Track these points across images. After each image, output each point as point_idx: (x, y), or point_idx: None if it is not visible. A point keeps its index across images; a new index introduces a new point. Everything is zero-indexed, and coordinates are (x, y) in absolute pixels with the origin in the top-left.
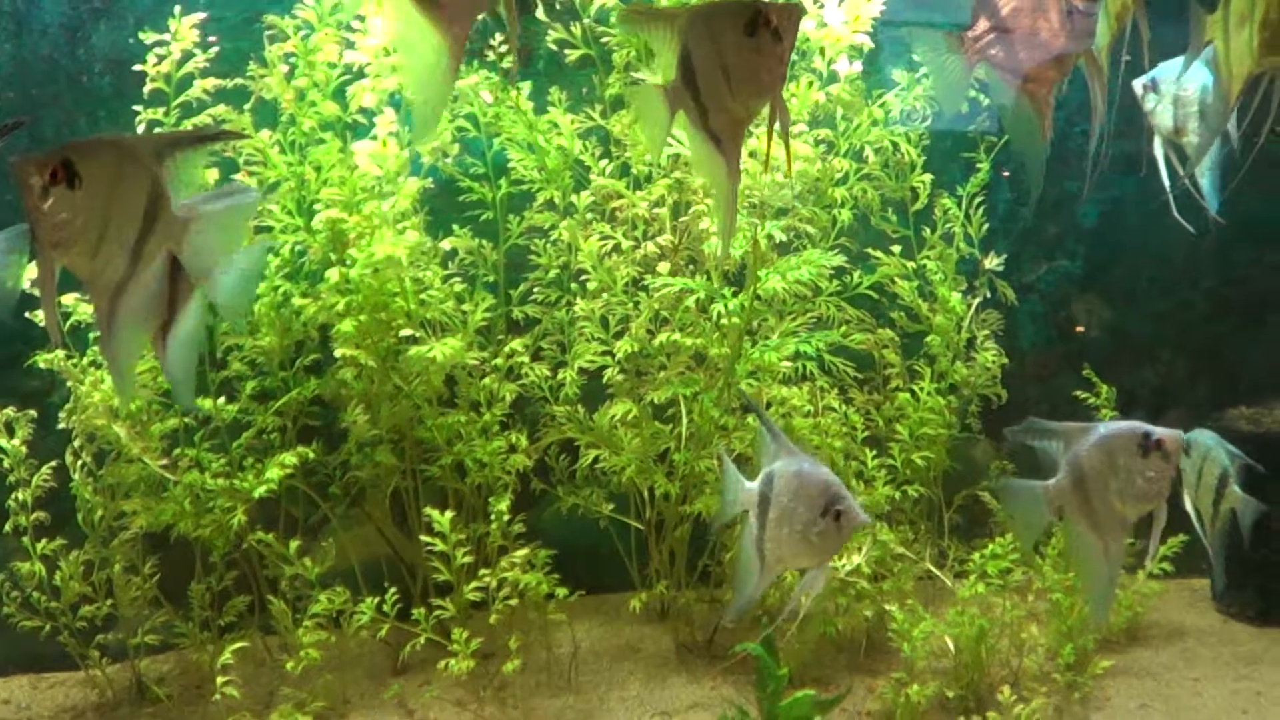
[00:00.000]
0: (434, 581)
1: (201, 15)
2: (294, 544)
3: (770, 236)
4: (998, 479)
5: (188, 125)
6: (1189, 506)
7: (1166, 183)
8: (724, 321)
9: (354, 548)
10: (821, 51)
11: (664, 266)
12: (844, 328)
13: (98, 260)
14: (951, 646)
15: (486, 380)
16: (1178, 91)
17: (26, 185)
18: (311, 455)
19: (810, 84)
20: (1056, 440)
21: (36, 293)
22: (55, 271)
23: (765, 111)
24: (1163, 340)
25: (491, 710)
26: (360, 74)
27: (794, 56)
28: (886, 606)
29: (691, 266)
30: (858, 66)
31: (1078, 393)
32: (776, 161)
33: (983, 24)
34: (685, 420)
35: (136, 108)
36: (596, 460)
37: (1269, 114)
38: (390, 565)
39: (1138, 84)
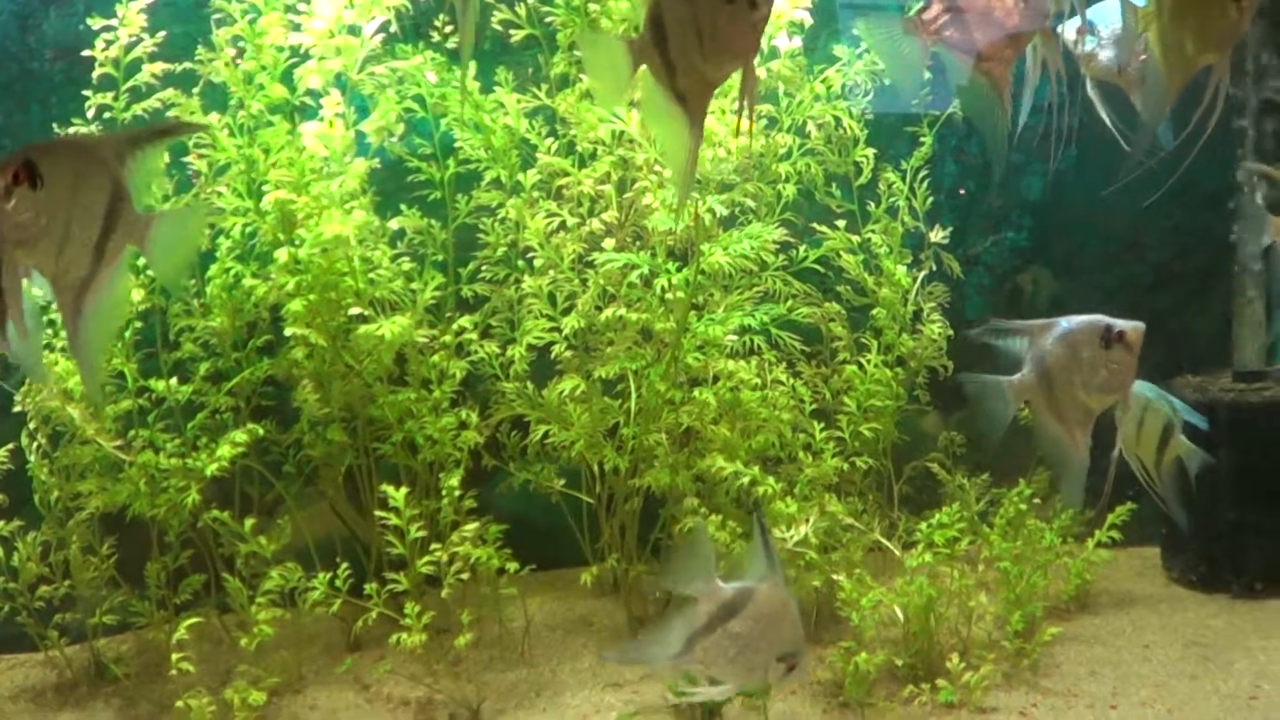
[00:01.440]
0: (387, 557)
1: (148, 0)
2: (249, 522)
3: (713, 211)
4: (965, 376)
5: (137, 109)
6: (1128, 456)
7: (1107, 120)
8: (669, 296)
9: (308, 526)
10: None
11: (609, 243)
12: (790, 302)
13: (62, 259)
14: (900, 615)
15: (436, 358)
16: (1117, 31)
17: None
18: (262, 432)
19: None
20: (1019, 337)
21: None
22: (19, 271)
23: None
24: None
25: (445, 684)
26: (307, 56)
27: None
28: (835, 576)
29: (637, 243)
30: (797, 42)
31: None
32: (719, 137)
33: (937, 6)
34: (634, 395)
35: (86, 92)
36: (546, 436)
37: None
38: (344, 543)
39: (1069, 28)
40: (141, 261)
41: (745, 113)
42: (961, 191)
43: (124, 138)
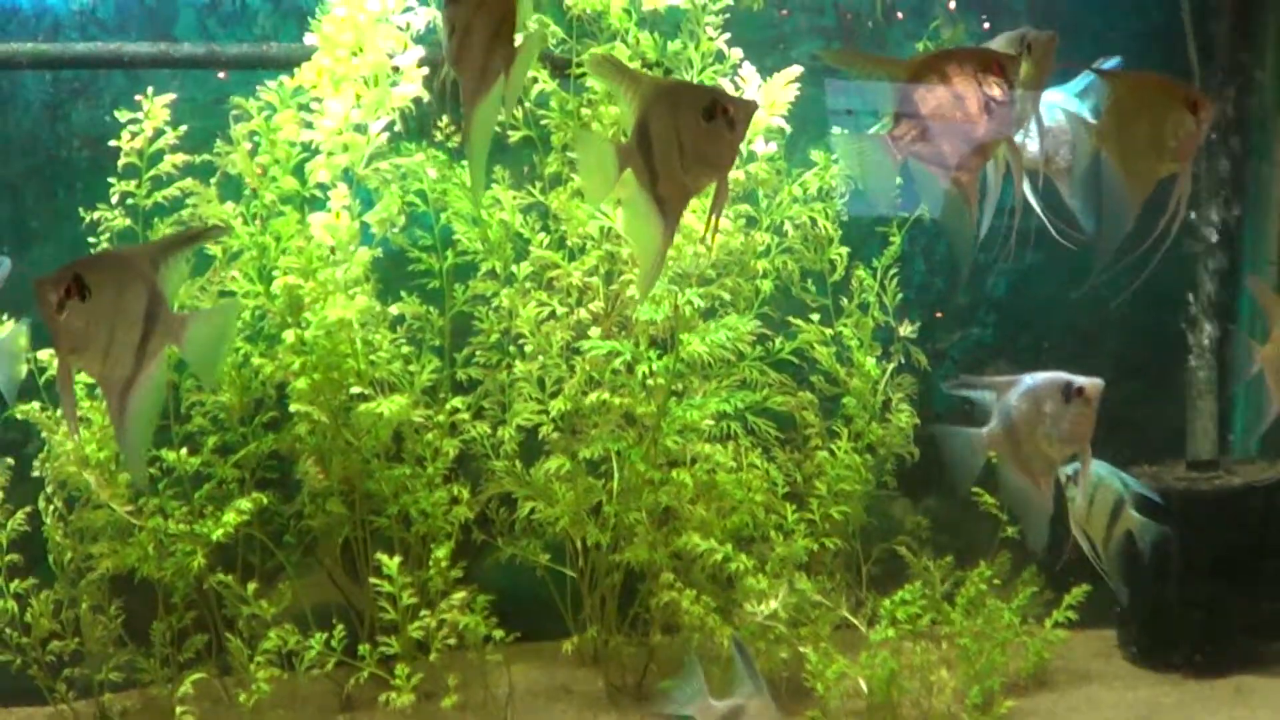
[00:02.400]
0: (380, 623)
1: (171, 96)
2: (251, 586)
3: (691, 303)
4: (938, 427)
5: (158, 196)
6: (1076, 532)
7: (1037, 206)
8: (650, 382)
9: (306, 594)
10: None
11: (595, 331)
12: (766, 390)
13: (108, 362)
14: (865, 687)
15: (430, 436)
16: (1048, 124)
17: (45, 300)
18: (265, 501)
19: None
20: (987, 391)
21: None
22: (73, 374)
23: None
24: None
25: None
26: (317, 151)
27: None
28: (802, 649)
29: (622, 331)
30: (773, 147)
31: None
32: (699, 234)
33: (906, 124)
34: (617, 475)
35: (111, 180)
36: (533, 512)
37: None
38: (340, 610)
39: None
40: None
41: (714, 220)
42: (939, 315)
43: (158, 247)
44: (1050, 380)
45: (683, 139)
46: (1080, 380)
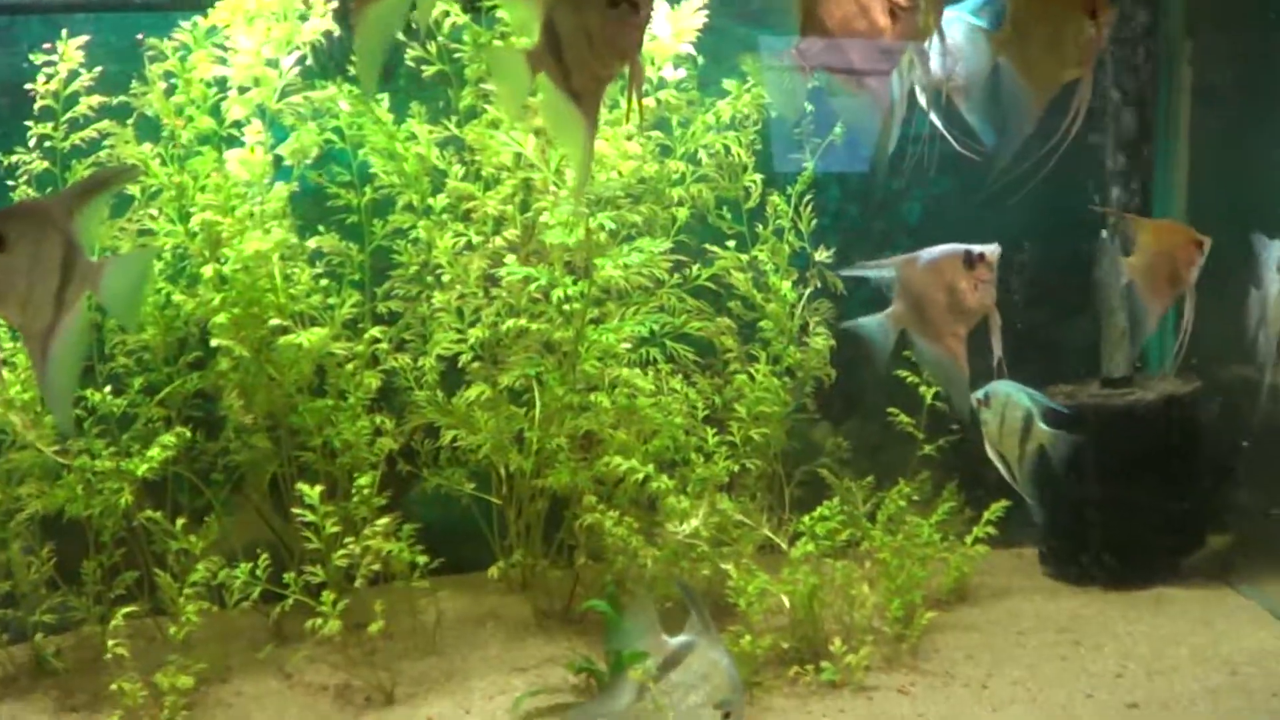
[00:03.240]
0: (307, 555)
1: (86, 38)
2: (180, 522)
3: (604, 227)
4: (848, 322)
5: (75, 139)
6: (990, 452)
7: (938, 123)
8: (567, 308)
9: (236, 532)
10: (651, 60)
11: (512, 258)
12: (684, 316)
13: (27, 311)
14: (786, 603)
15: (350, 367)
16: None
17: None
18: (189, 435)
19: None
20: (887, 272)
21: None
22: None
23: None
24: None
25: (361, 671)
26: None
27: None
28: (724, 566)
29: (537, 257)
30: (682, 73)
31: (899, 371)
32: (611, 160)
33: (812, 36)
34: (538, 402)
35: (28, 124)
36: (455, 440)
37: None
38: (270, 547)
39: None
40: None
41: (635, 103)
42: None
43: (72, 194)
44: (949, 251)
45: (590, 31)
46: (978, 247)
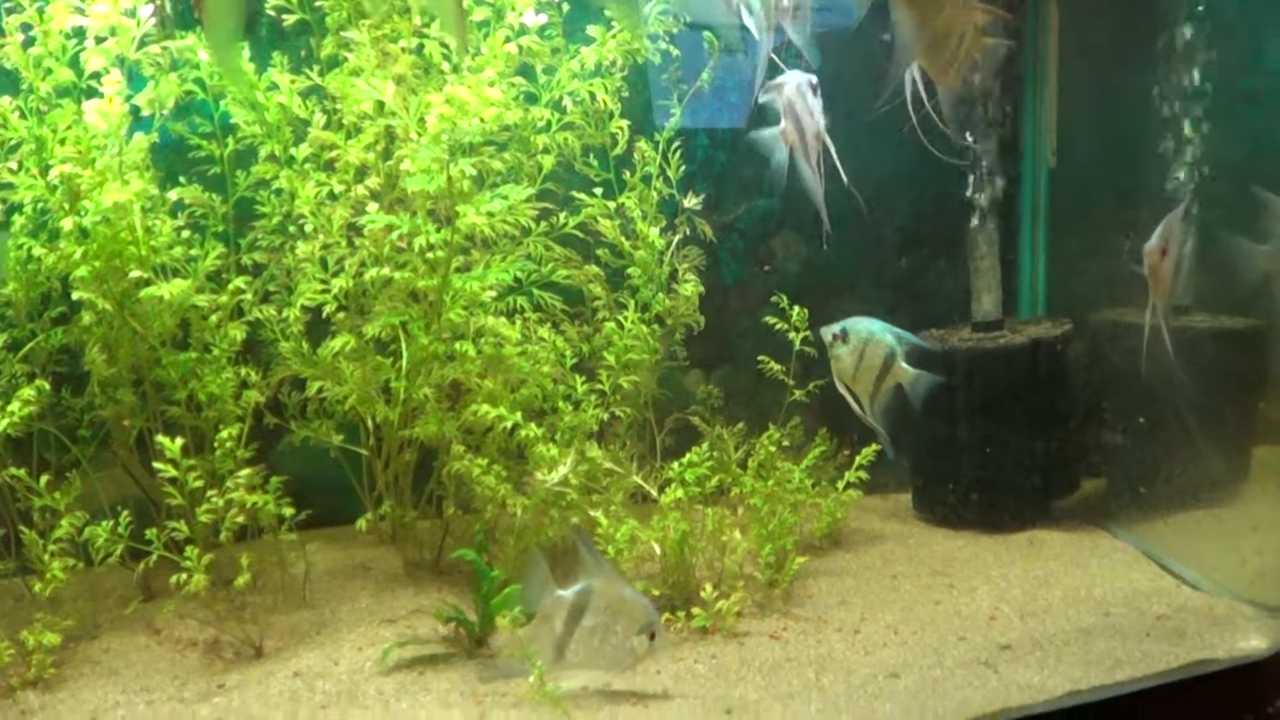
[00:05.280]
0: (170, 511)
1: None
2: (44, 479)
3: (465, 173)
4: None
5: None
6: (840, 388)
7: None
8: (430, 256)
9: (104, 488)
10: (513, 6)
11: (374, 207)
12: (551, 264)
13: None
14: (657, 550)
15: (213, 319)
16: None
17: None
18: (47, 388)
19: (505, 39)
20: (772, 94)
21: None
22: None
23: None
24: (859, 272)
25: (230, 626)
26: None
27: (489, 14)
28: (592, 513)
29: (400, 206)
30: (544, 19)
31: (769, 319)
32: (472, 107)
33: None
34: (405, 351)
35: None
36: (321, 392)
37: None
38: (138, 504)
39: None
40: None
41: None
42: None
43: None
44: (799, 74)
45: None
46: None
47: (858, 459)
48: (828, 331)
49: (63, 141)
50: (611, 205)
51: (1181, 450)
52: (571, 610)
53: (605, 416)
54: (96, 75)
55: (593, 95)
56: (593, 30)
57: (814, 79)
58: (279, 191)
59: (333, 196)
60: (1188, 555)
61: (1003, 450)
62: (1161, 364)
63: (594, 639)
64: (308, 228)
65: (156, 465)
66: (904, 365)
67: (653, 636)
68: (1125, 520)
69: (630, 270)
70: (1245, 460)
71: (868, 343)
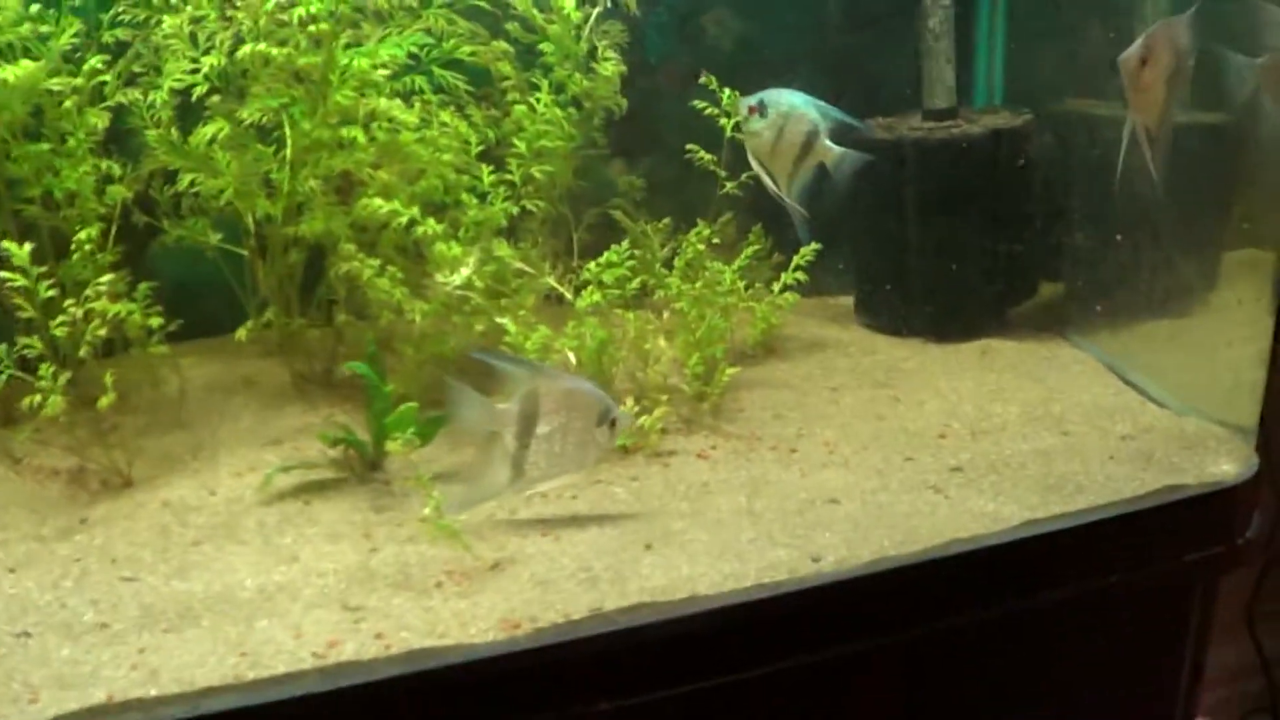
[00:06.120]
0: (22, 322)
1: None
2: None
3: None
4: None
5: None
6: (755, 165)
7: None
8: (312, 29)
9: None
10: None
11: None
12: (454, 40)
13: None
14: (573, 360)
15: (69, 103)
16: None
17: None
18: None
19: None
20: None
21: None
22: None
23: None
24: (798, 52)
25: (95, 452)
26: None
27: None
28: (499, 320)
29: None
30: None
31: (696, 102)
32: None
33: None
34: (290, 139)
35: None
36: (194, 185)
37: None
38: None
39: None
40: None
41: None
42: None
43: None
44: None
45: None
46: None
47: (795, 259)
48: (743, 103)
49: None
50: None
51: (1149, 253)
52: (521, 421)
53: (515, 211)
54: None
55: None
56: None
57: None
58: None
59: None
60: (1153, 368)
61: (955, 252)
62: (1131, 167)
63: (552, 444)
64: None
65: (3, 275)
66: (828, 143)
67: (614, 424)
68: (1086, 328)
69: (543, 47)
70: (1216, 266)
71: (788, 117)
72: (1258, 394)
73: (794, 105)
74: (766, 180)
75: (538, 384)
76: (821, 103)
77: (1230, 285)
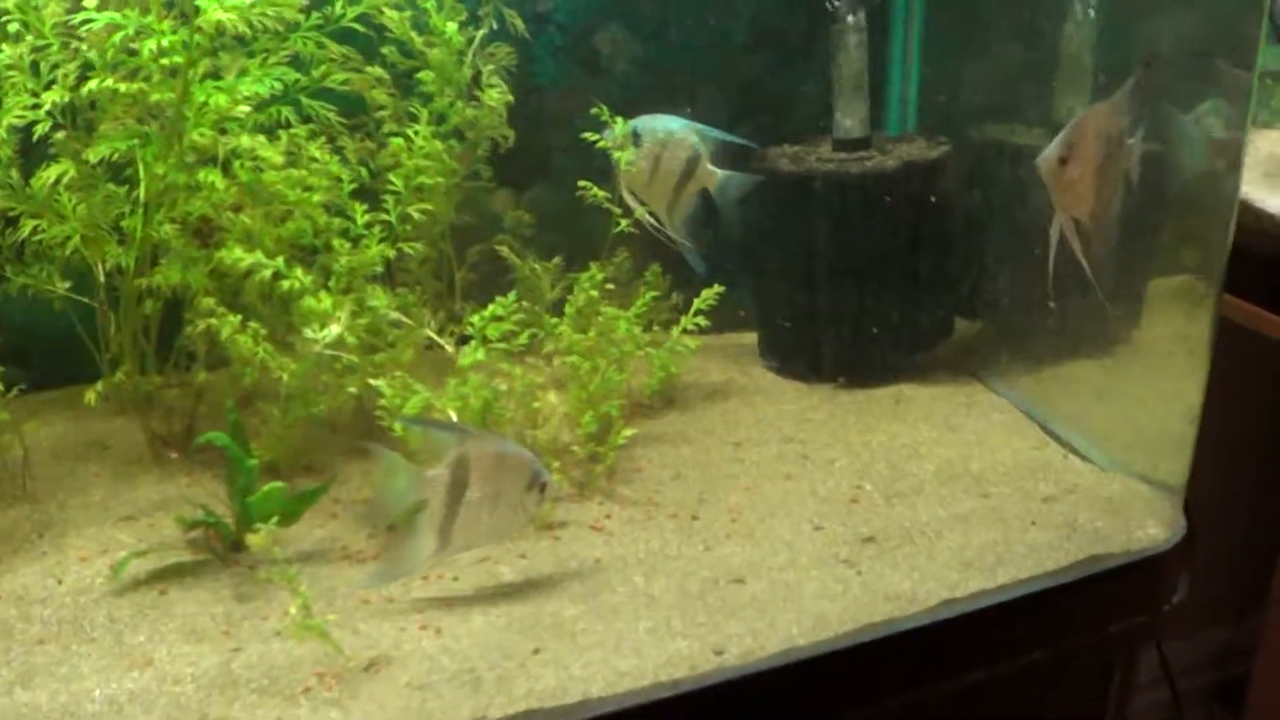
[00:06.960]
0: None
1: None
2: None
3: None
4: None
5: None
6: (625, 195)
7: None
8: (165, 62)
9: None
10: None
11: (93, 1)
12: (325, 66)
13: None
14: (455, 420)
15: None
16: None
17: None
18: None
19: None
20: None
21: None
22: None
23: None
24: (700, 73)
25: None
26: None
27: None
28: (371, 381)
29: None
30: None
31: (586, 134)
32: None
33: None
34: (143, 181)
35: None
36: (37, 231)
37: None
38: None
39: None
40: None
41: None
42: None
43: None
44: None
45: None
46: None
47: (696, 302)
48: (609, 134)
49: None
50: None
51: (1071, 291)
52: (450, 488)
53: (392, 254)
54: None
55: None
56: None
57: None
58: None
59: None
60: (1075, 419)
61: (866, 291)
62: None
63: (481, 511)
64: (11, 26)
65: None
66: (710, 167)
67: (544, 488)
68: (1004, 373)
69: (423, 75)
70: (1140, 304)
71: (665, 144)
72: (1186, 449)
73: (670, 130)
74: (644, 215)
75: (467, 448)
76: (700, 125)
77: (1161, 319)
